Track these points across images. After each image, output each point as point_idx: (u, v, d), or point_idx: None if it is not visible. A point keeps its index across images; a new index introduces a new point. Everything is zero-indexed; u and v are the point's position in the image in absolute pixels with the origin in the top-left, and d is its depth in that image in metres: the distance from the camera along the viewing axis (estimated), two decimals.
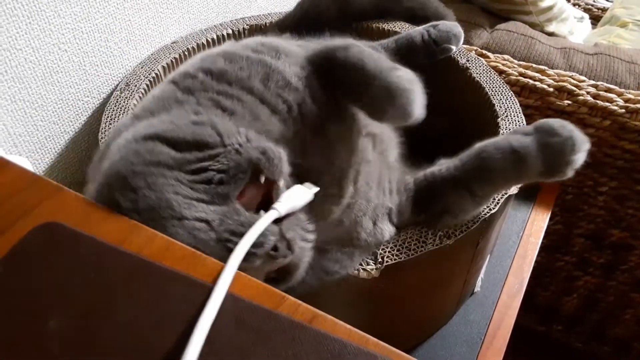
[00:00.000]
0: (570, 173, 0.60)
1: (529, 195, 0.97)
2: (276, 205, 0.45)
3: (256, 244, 0.41)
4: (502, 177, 0.62)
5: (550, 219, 1.05)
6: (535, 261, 1.03)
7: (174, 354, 0.33)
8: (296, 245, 0.45)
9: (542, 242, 0.93)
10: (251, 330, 0.35)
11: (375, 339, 0.36)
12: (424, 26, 0.90)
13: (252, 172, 0.45)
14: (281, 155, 0.47)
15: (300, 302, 0.38)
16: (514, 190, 0.69)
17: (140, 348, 0.34)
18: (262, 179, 0.46)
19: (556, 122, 0.61)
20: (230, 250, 0.40)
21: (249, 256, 0.41)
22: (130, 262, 0.39)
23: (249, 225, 0.42)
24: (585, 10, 1.91)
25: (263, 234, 0.42)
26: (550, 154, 0.59)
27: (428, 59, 0.90)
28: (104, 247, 0.39)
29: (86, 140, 0.82)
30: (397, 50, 0.89)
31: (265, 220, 0.43)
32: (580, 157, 0.61)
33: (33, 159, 0.75)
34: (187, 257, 0.40)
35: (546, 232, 0.98)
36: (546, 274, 1.24)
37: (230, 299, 0.36)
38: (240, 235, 0.41)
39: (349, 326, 0.36)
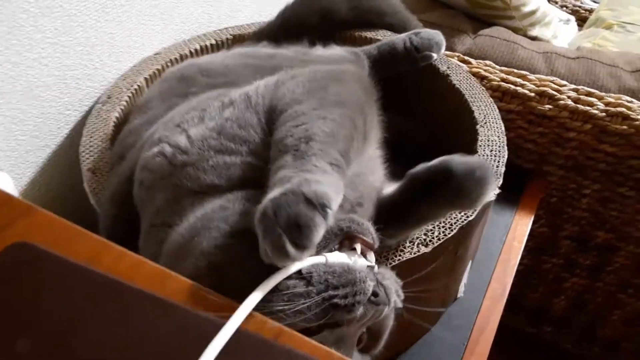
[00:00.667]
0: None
1: (511, 200, 0.98)
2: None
3: (357, 292, 0.41)
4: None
5: (536, 222, 1.05)
6: (523, 263, 1.04)
7: None
8: (392, 296, 0.45)
9: (528, 245, 0.94)
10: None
11: (340, 355, 0.37)
12: (406, 33, 0.91)
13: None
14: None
15: (266, 319, 0.38)
16: (491, 196, 0.69)
17: None
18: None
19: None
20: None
21: (351, 306, 0.41)
22: (99, 281, 0.39)
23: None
24: (573, 12, 1.92)
25: (361, 279, 0.42)
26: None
27: (409, 65, 0.90)
28: (73, 267, 0.40)
29: (68, 154, 0.82)
30: (379, 57, 0.90)
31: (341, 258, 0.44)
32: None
33: (14, 173, 0.75)
34: (157, 276, 0.40)
35: (532, 234, 0.99)
36: (534, 276, 1.25)
37: (195, 317, 0.37)
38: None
39: (314, 342, 0.37)
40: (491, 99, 0.82)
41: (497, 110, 0.81)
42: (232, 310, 0.37)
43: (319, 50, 0.85)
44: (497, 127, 0.78)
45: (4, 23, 0.69)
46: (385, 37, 0.96)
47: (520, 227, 0.94)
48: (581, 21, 1.83)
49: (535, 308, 1.31)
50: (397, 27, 0.97)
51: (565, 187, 1.06)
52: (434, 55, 0.88)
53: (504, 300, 0.84)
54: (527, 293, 1.29)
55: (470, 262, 0.84)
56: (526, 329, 1.37)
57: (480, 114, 0.80)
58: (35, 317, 0.37)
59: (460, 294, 0.85)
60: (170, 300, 0.38)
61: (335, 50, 0.86)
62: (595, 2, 2.01)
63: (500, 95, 0.97)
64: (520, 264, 0.89)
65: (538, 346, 1.39)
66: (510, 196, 0.98)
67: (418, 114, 0.95)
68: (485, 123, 0.79)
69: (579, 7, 1.99)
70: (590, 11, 1.92)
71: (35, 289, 0.39)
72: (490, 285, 0.86)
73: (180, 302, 0.38)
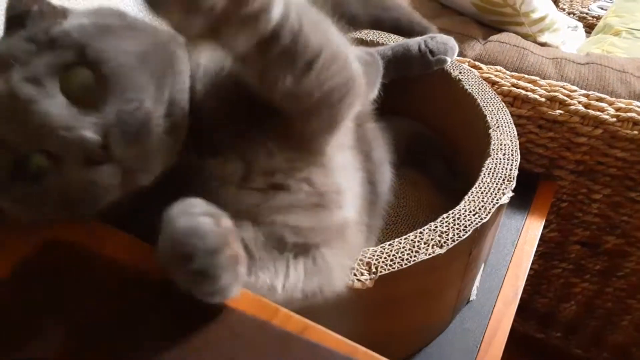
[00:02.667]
0: None
1: (523, 204, 0.99)
2: None
3: None
4: None
5: (546, 227, 1.06)
6: (533, 268, 1.05)
7: None
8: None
9: (538, 250, 0.95)
10: (244, 340, 0.36)
11: (364, 349, 0.37)
12: (421, 37, 0.93)
13: None
14: None
15: (292, 313, 0.39)
16: (505, 199, 0.70)
17: None
18: None
19: None
20: None
21: None
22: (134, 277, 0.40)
23: None
24: (580, 18, 1.93)
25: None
26: None
27: (423, 69, 0.92)
28: (107, 264, 0.41)
29: None
30: (393, 58, 0.91)
31: None
32: None
33: None
34: None
35: (542, 239, 1.00)
36: (543, 281, 1.25)
37: (224, 310, 0.37)
38: None
39: (338, 336, 0.38)
40: (503, 103, 0.83)
41: (509, 115, 0.81)
42: (260, 305, 0.38)
43: None
44: (509, 131, 0.79)
45: None
46: (395, 41, 0.97)
47: (531, 230, 0.95)
48: (588, 28, 1.84)
49: (545, 313, 1.31)
50: (404, 25, 0.98)
51: (575, 191, 1.06)
52: (448, 59, 0.89)
53: (516, 304, 0.84)
54: (536, 298, 1.29)
55: (483, 265, 0.84)
56: (535, 334, 1.37)
57: (492, 118, 0.81)
58: (67, 314, 0.38)
59: (473, 296, 0.85)
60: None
61: (350, 49, 0.87)
62: (602, 9, 2.02)
63: (511, 100, 0.98)
64: (529, 268, 0.90)
65: (547, 351, 1.39)
66: (521, 200, 0.98)
67: (430, 118, 0.96)
68: (498, 127, 0.80)
69: (586, 14, 2.00)
70: (597, 18, 1.93)
71: (69, 286, 0.40)
72: (502, 288, 0.86)
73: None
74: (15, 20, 0.45)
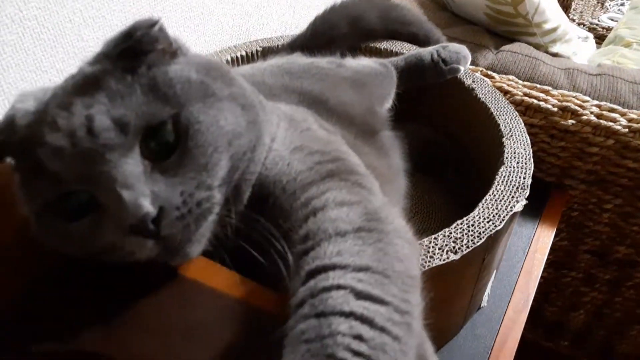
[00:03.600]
0: None
1: (534, 212, 0.99)
2: None
3: None
4: None
5: (556, 235, 1.06)
6: (542, 277, 1.05)
7: None
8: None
9: (548, 258, 0.95)
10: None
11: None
12: (433, 47, 0.94)
13: None
14: None
15: None
16: (519, 207, 0.71)
17: None
18: None
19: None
20: None
21: None
22: None
23: None
24: (590, 29, 1.94)
25: None
26: None
27: (436, 77, 0.93)
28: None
29: None
30: (406, 68, 0.93)
31: None
32: None
33: None
34: None
35: (552, 248, 1.00)
36: (553, 289, 1.25)
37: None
38: None
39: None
40: (516, 112, 0.84)
41: (522, 123, 0.82)
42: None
43: (351, 61, 0.87)
44: (522, 140, 0.80)
45: (51, 31, 0.72)
46: (410, 50, 0.98)
47: (542, 239, 0.95)
48: (598, 39, 1.84)
49: (554, 322, 1.31)
50: (421, 38, 1.00)
51: (586, 201, 1.07)
52: (461, 68, 0.91)
53: (527, 311, 0.85)
54: (545, 307, 1.29)
55: (495, 272, 0.85)
56: (543, 342, 1.37)
57: (505, 126, 0.82)
58: None
59: (484, 303, 0.86)
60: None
61: (365, 62, 0.89)
62: (612, 20, 2.03)
63: (523, 109, 0.99)
64: (539, 277, 0.90)
65: None
66: (532, 209, 0.99)
67: (444, 126, 0.97)
68: (511, 136, 0.80)
69: (596, 25, 2.01)
70: (607, 29, 1.94)
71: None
72: (513, 295, 0.87)
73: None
74: (130, 51, 0.42)
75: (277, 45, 1.00)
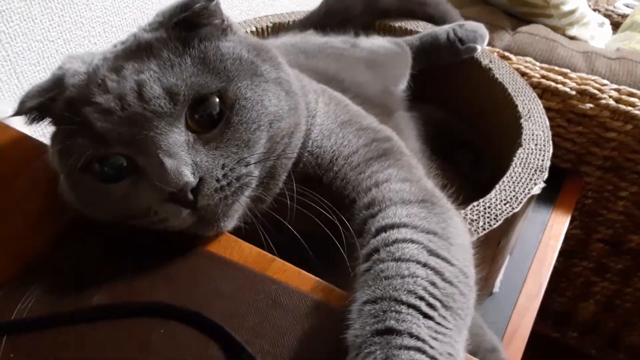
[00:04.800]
0: None
1: (548, 199, 0.97)
2: None
3: None
4: None
5: (570, 223, 1.04)
6: (553, 266, 1.03)
7: None
8: None
9: (560, 247, 0.93)
10: (287, 311, 0.35)
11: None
12: (449, 25, 0.91)
13: None
14: None
15: (333, 286, 0.38)
16: (537, 190, 0.69)
17: None
18: None
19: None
20: None
21: None
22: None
23: None
24: (605, 16, 1.90)
25: None
26: None
27: (452, 57, 0.90)
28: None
29: None
30: (421, 47, 0.90)
31: None
32: None
33: None
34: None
35: (565, 236, 0.98)
36: (563, 279, 1.23)
37: (266, 281, 0.37)
38: None
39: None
40: (535, 93, 0.82)
41: (541, 105, 0.80)
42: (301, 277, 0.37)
43: (365, 41, 0.85)
44: (541, 122, 0.78)
45: (59, 0, 0.70)
46: (425, 29, 0.96)
47: (556, 225, 0.93)
48: (613, 26, 1.80)
49: (562, 312, 1.30)
50: (437, 19, 0.97)
51: (601, 188, 1.04)
52: (478, 48, 0.88)
53: (540, 298, 0.83)
54: (554, 297, 1.27)
55: (508, 257, 0.83)
56: (551, 333, 1.35)
57: (524, 108, 0.80)
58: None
59: (496, 289, 0.84)
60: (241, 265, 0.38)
61: (380, 41, 0.86)
62: (628, 7, 1.98)
63: (540, 92, 0.96)
64: None
65: (561, 351, 1.37)
66: (546, 195, 0.96)
67: (460, 107, 0.95)
68: (530, 117, 0.78)
69: (612, 11, 1.96)
70: (623, 16, 1.89)
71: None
72: (525, 282, 0.85)
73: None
74: (186, 22, 0.43)
75: (288, 22, 0.97)
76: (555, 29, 1.17)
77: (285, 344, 0.34)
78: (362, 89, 0.71)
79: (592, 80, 0.96)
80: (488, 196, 0.66)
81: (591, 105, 0.95)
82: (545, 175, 0.70)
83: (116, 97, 0.39)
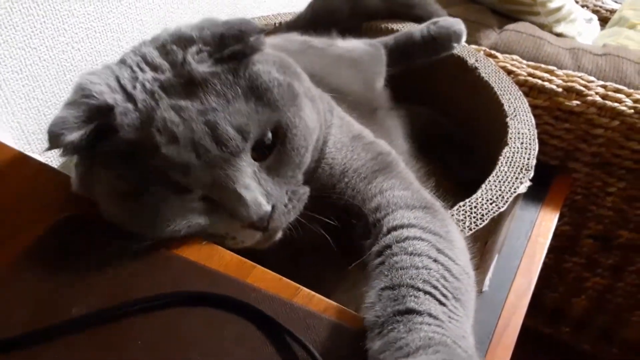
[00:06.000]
0: None
1: (537, 196, 0.97)
2: None
3: None
4: None
5: (559, 220, 1.04)
6: (543, 262, 1.03)
7: None
8: None
9: (550, 244, 0.93)
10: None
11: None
12: (425, 23, 0.91)
13: None
14: None
15: (314, 293, 0.38)
16: (523, 188, 0.69)
17: None
18: None
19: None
20: None
21: None
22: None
23: None
24: (594, 11, 1.90)
25: None
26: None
27: (429, 55, 0.90)
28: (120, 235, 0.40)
29: None
30: (395, 47, 0.89)
31: None
32: None
33: (46, 156, 0.75)
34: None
35: (554, 233, 0.98)
36: (554, 275, 1.23)
37: (246, 289, 0.37)
38: None
39: (360, 315, 0.37)
40: (521, 92, 0.82)
41: (527, 103, 0.80)
42: (282, 284, 0.37)
43: (341, 42, 0.85)
44: (527, 120, 0.78)
45: (41, 7, 0.70)
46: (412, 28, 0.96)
47: (545, 222, 0.93)
48: (602, 21, 1.81)
49: (554, 308, 1.30)
50: (425, 20, 0.97)
51: (590, 184, 1.05)
52: (454, 45, 0.88)
53: (529, 295, 0.83)
54: (546, 293, 1.27)
55: (497, 256, 0.83)
56: (544, 329, 1.36)
57: (509, 107, 0.80)
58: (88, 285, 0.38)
59: (485, 287, 0.84)
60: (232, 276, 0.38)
61: (354, 42, 0.86)
62: (616, 2, 1.99)
63: (527, 90, 0.96)
64: None
65: (555, 346, 1.37)
66: (534, 192, 0.97)
67: (446, 106, 0.95)
68: (515, 116, 0.78)
69: (600, 7, 1.97)
70: (612, 11, 1.90)
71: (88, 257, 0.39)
72: (515, 280, 0.85)
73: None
74: (238, 54, 0.44)
75: (275, 24, 0.97)
76: (542, 26, 1.17)
77: (265, 353, 0.34)
78: (348, 88, 0.72)
79: (579, 77, 0.96)
80: (474, 196, 0.66)
81: (578, 102, 0.95)
82: (531, 174, 0.71)
83: (189, 144, 0.40)
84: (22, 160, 0.50)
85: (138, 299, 0.37)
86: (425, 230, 0.45)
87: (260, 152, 0.44)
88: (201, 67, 0.42)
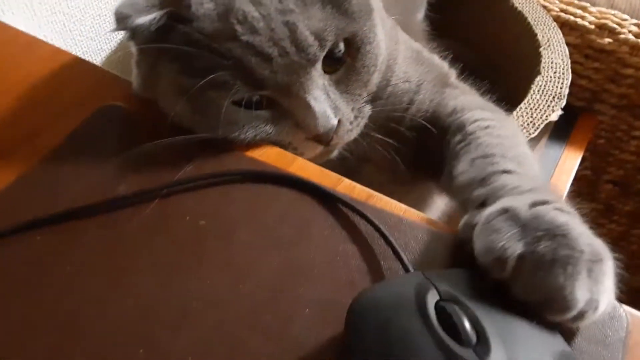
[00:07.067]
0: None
1: (560, 136, 0.96)
2: None
3: None
4: None
5: (580, 164, 1.04)
6: None
7: None
8: None
9: (569, 189, 0.93)
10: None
11: (429, 217, 0.37)
12: None
13: None
14: None
15: (355, 183, 0.39)
16: (555, 116, 0.68)
17: None
18: None
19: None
20: None
21: None
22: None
23: None
24: None
25: None
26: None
27: None
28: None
29: None
30: None
31: None
32: None
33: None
34: None
35: (575, 177, 0.98)
36: None
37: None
38: None
39: (403, 205, 0.37)
40: (554, 22, 0.80)
41: (561, 34, 0.78)
42: (324, 175, 0.37)
43: None
44: (560, 50, 0.76)
45: None
46: None
47: (569, 161, 0.93)
48: None
49: None
50: None
51: (615, 127, 1.03)
52: None
53: None
54: None
55: None
56: None
57: (543, 37, 0.78)
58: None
59: None
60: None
61: None
62: None
63: (559, 26, 0.94)
64: None
65: None
66: (559, 132, 0.96)
67: (477, 39, 0.93)
68: (549, 46, 0.77)
69: None
70: None
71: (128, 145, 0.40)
72: None
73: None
74: None
75: None
76: None
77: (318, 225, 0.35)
78: (388, 13, 0.70)
79: (612, 14, 0.94)
80: None
81: (610, 40, 0.92)
82: (563, 102, 0.70)
83: (270, 40, 0.38)
84: (40, 46, 0.49)
85: (187, 177, 0.37)
86: (502, 126, 0.46)
87: (329, 64, 0.42)
88: None
